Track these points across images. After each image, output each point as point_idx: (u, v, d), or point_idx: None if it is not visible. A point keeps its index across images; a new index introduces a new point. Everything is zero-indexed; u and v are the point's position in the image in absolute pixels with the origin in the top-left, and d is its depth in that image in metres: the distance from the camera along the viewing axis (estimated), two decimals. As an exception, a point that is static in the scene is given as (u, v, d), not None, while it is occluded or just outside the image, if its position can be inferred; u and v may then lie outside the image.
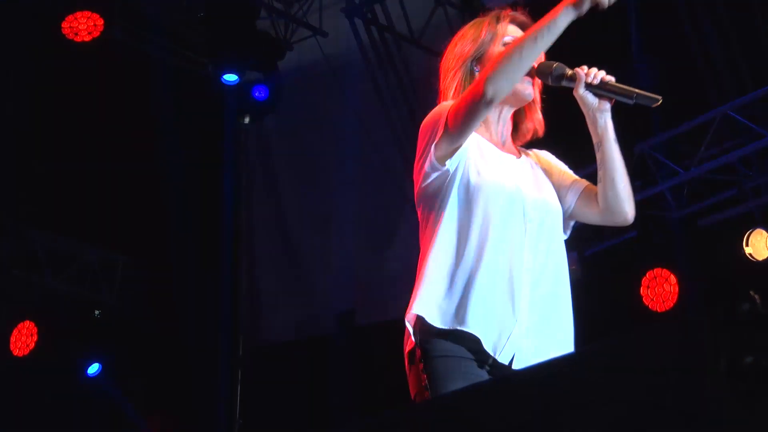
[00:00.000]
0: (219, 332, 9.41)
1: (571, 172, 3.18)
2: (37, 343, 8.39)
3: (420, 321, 2.95)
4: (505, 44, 3.06)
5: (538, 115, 3.15)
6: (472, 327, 2.87)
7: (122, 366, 8.77)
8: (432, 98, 9.87)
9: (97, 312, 8.85)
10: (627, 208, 3.03)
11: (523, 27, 3.11)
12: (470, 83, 3.03)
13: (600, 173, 3.01)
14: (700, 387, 1.83)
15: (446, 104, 3.01)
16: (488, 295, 2.89)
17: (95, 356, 8.67)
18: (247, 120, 9.20)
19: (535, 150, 3.21)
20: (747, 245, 6.93)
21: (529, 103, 3.11)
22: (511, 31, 3.10)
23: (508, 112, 3.11)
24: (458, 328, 2.88)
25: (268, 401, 9.30)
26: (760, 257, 6.94)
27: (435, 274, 2.96)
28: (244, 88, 8.79)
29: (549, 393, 1.94)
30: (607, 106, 2.96)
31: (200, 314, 9.22)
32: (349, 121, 9.07)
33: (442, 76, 3.15)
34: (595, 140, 3.00)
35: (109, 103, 8.78)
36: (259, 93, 8.86)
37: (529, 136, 3.16)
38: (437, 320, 2.91)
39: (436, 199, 2.99)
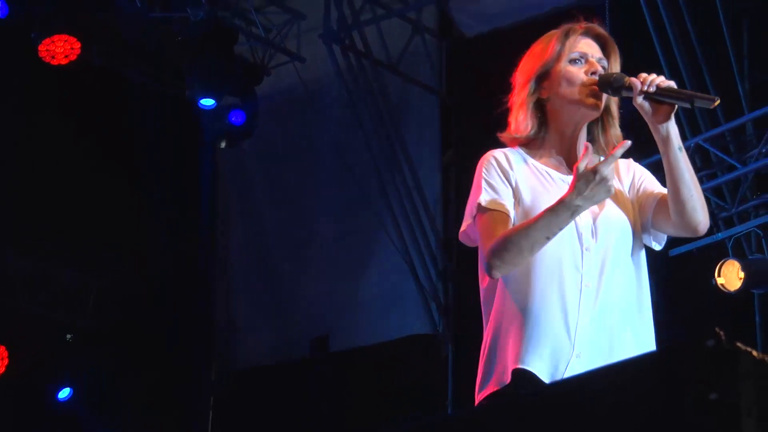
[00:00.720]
0: (193, 356, 9.37)
1: (653, 180, 3.07)
2: (8, 366, 8.32)
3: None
4: (571, 60, 2.98)
5: (616, 130, 3.05)
6: (530, 365, 2.85)
7: (94, 390, 8.70)
8: (409, 124, 9.87)
9: (69, 336, 8.78)
10: (697, 217, 2.90)
11: (598, 39, 3.02)
12: (534, 101, 3.00)
13: (668, 183, 2.91)
14: (672, 419, 1.83)
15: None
16: (542, 327, 2.85)
17: (67, 380, 8.60)
18: (223, 144, 9.20)
19: (620, 160, 3.05)
20: (719, 276, 6.95)
21: (607, 117, 3.03)
22: (582, 46, 3.00)
23: (575, 131, 3.02)
24: (518, 367, 2.86)
25: (242, 426, 9.25)
26: (732, 288, 6.96)
27: (495, 323, 2.95)
28: (221, 112, 8.79)
29: (551, 413, 1.95)
30: (668, 113, 2.85)
31: (175, 339, 9.17)
32: (327, 147, 9.07)
33: (512, 91, 3.08)
34: (660, 149, 2.89)
35: (86, 126, 8.76)
36: (236, 118, 8.86)
37: (609, 151, 3.05)
38: (495, 377, 2.92)
39: None
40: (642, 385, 1.91)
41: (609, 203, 2.96)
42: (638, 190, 3.03)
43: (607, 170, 2.77)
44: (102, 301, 8.99)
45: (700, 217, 2.91)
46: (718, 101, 2.85)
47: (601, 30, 3.05)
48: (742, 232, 7.17)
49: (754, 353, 1.89)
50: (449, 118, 9.02)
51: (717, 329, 1.88)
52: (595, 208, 2.93)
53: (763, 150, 6.93)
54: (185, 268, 9.41)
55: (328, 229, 9.21)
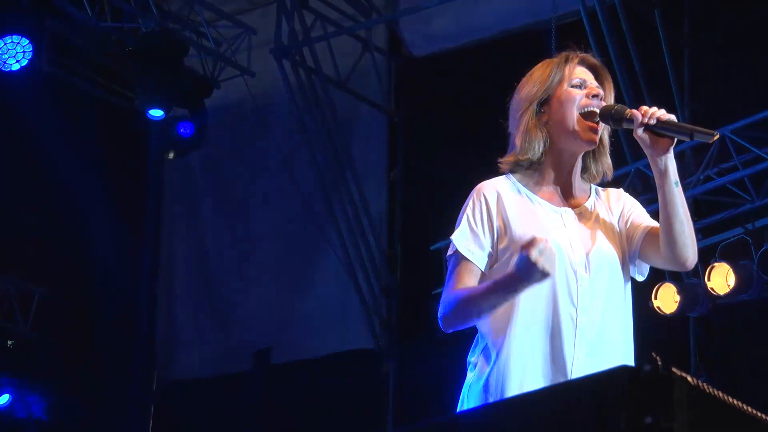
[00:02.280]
0: (135, 366, 9.28)
1: (642, 212, 3.04)
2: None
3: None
4: (573, 85, 2.98)
5: (607, 159, 3.04)
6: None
7: (33, 398, 8.58)
8: (356, 140, 9.83)
9: (10, 342, 8.67)
10: (686, 253, 2.89)
11: (592, 69, 3.03)
12: (537, 125, 2.96)
13: (660, 216, 2.89)
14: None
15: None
16: (538, 363, 2.81)
17: (6, 387, 8.49)
18: (171, 155, 9.15)
19: (610, 190, 3.07)
20: (656, 299, 7.04)
21: (599, 146, 3.01)
22: (579, 73, 3.00)
23: (570, 159, 3.00)
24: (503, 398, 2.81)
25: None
26: (668, 311, 7.05)
27: (480, 352, 2.91)
28: (170, 123, 8.74)
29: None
30: (667, 146, 2.84)
31: (116, 348, 9.09)
32: (274, 161, 9.05)
33: (510, 118, 3.03)
34: (656, 182, 2.87)
35: (33, 132, 8.66)
36: (185, 129, 8.82)
37: (599, 179, 3.05)
38: (482, 398, 2.86)
39: None
40: (578, 408, 1.93)
41: (600, 236, 2.95)
42: (627, 222, 3.02)
43: (534, 253, 2.69)
44: (43, 308, 8.88)
45: (690, 252, 2.91)
46: (717, 136, 2.86)
47: (594, 60, 3.06)
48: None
49: (689, 379, 1.92)
50: (397, 135, 9.06)
51: (654, 354, 1.90)
52: (587, 241, 2.92)
53: (701, 177, 7.03)
54: (129, 278, 9.33)
55: (272, 242, 9.19)
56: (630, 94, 7.16)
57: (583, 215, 2.98)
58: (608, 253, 2.93)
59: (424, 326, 7.94)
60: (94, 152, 8.84)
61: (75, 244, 8.93)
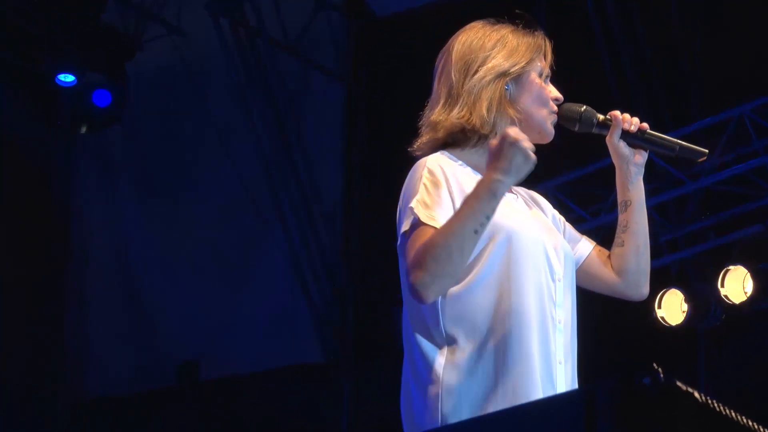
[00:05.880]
0: (40, 384, 9.24)
1: (569, 224, 3.13)
2: None
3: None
4: (543, 76, 3.02)
5: None
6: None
7: None
8: (307, 115, 9.82)
9: None
10: (644, 280, 3.04)
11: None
12: (503, 105, 2.97)
13: (623, 237, 3.00)
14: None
15: (418, 183, 2.89)
16: (519, 372, 2.78)
17: None
18: (84, 130, 9.09)
19: (515, 188, 3.08)
20: (659, 308, 7.06)
21: None
22: (547, 66, 3.06)
23: None
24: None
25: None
26: (673, 322, 7.08)
27: (454, 364, 2.81)
28: (83, 91, 8.68)
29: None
30: (643, 159, 2.98)
31: (18, 361, 9.04)
32: (207, 137, 9.03)
33: (454, 73, 3.01)
34: (621, 198, 2.99)
35: None
36: (101, 98, 8.76)
37: None
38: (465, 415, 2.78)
39: None
40: (565, 426, 1.94)
41: (553, 226, 3.02)
42: (564, 230, 3.08)
43: (513, 131, 2.74)
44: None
45: (646, 280, 3.04)
46: (707, 155, 2.96)
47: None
48: (687, 257, 7.30)
49: (696, 395, 1.93)
50: (356, 109, 9.06)
51: (654, 365, 1.91)
52: (554, 234, 2.96)
53: (716, 163, 7.05)
54: (32, 281, 9.27)
55: (204, 236, 9.16)
56: (641, 83, 7.25)
57: (525, 203, 3.01)
58: (569, 249, 3.01)
59: (385, 336, 7.95)
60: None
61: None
